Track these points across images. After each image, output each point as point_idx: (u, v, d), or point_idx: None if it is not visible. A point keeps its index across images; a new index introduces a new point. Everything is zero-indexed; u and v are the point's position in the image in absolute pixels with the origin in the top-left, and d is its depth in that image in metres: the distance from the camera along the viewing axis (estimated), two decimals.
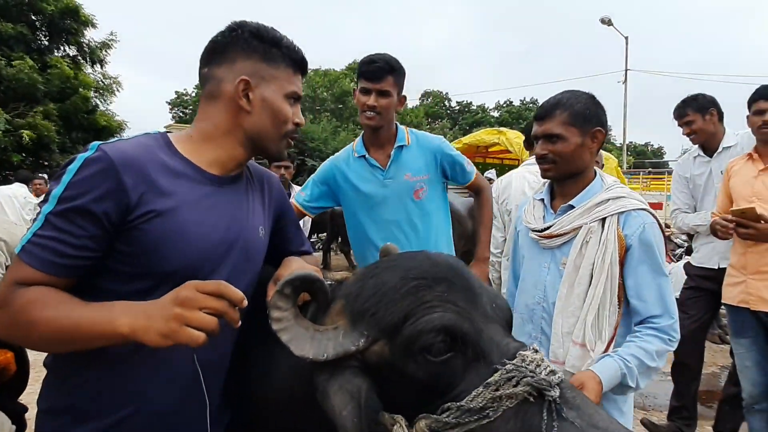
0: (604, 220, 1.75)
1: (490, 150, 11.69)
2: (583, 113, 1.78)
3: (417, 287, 1.03)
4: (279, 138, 1.32)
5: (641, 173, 21.56)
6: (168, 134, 1.27)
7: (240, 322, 1.03)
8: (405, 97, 2.47)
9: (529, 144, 3.54)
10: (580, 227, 1.77)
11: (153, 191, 1.12)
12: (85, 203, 1.05)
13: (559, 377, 0.96)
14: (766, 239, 2.66)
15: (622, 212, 1.75)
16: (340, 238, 10.67)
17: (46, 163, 14.06)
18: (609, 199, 1.77)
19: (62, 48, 15.74)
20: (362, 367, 1.03)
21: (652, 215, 1.79)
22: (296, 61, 1.33)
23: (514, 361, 0.97)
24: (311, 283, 1.11)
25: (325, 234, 11.01)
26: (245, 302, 1.01)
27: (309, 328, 1.05)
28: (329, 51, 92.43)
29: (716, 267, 3.34)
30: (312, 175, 2.66)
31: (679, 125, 3.61)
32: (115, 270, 1.12)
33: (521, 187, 3.32)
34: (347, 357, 1.02)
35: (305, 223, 5.36)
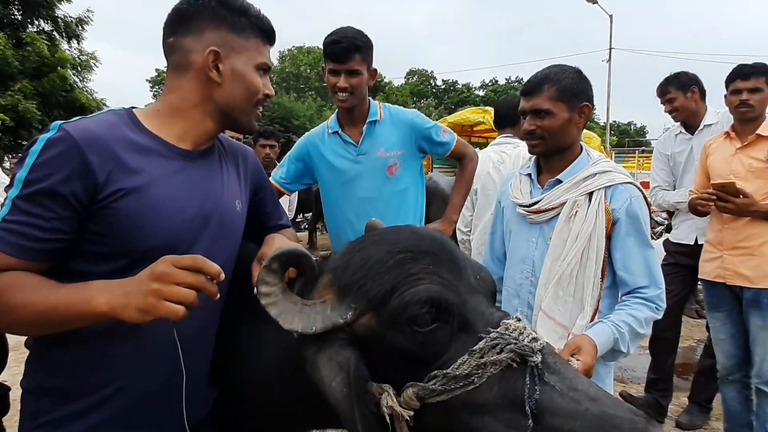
0: (591, 194, 1.76)
1: (475, 129, 11.65)
2: (570, 88, 1.78)
3: (403, 260, 1.05)
4: (250, 110, 1.31)
5: (636, 152, 21.70)
6: (134, 109, 1.25)
7: (219, 296, 1.03)
8: (375, 70, 2.42)
9: (498, 124, 3.54)
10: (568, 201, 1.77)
11: (121, 169, 1.10)
12: (51, 185, 1.03)
13: (540, 344, 1.00)
14: (743, 214, 2.72)
15: (609, 186, 1.76)
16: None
17: (26, 141, 13.75)
18: (596, 173, 1.78)
19: (37, 23, 15.23)
20: (350, 340, 1.05)
21: (638, 188, 1.80)
22: (265, 31, 1.31)
23: (498, 330, 1.00)
24: (298, 258, 1.12)
25: (310, 213, 10.98)
26: (222, 275, 1.01)
27: (297, 303, 1.07)
28: (313, 28, 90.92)
29: (693, 243, 3.43)
30: (288, 153, 2.64)
31: (661, 102, 3.66)
32: (89, 251, 1.11)
33: (485, 167, 3.29)
34: (335, 330, 1.04)
35: (291, 202, 5.35)
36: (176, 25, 1.25)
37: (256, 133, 5.06)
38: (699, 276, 3.11)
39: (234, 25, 1.25)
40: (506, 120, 3.48)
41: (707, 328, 3.24)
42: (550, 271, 1.77)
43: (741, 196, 2.67)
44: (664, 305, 1.74)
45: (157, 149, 1.19)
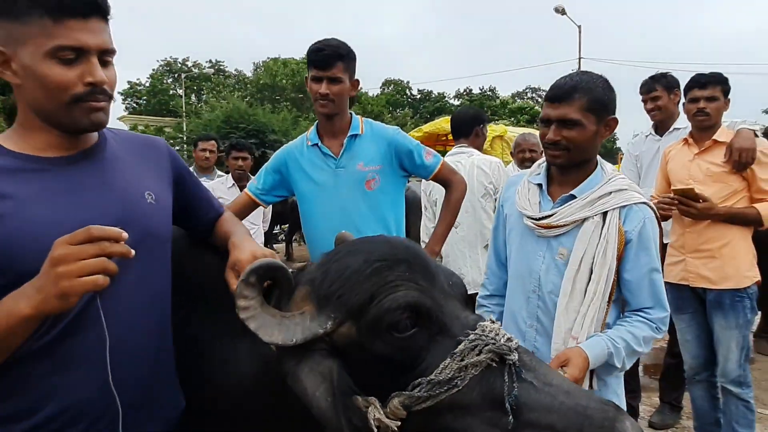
0: (605, 213, 1.69)
1: (450, 138, 11.77)
2: (602, 99, 1.69)
3: (380, 268, 1.08)
4: (63, 108, 1.11)
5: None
6: None
7: (133, 253, 0.99)
8: (358, 81, 2.44)
9: (454, 134, 3.72)
10: (581, 219, 1.70)
11: None
12: None
13: (515, 343, 1.05)
14: (704, 217, 2.81)
15: (624, 206, 1.70)
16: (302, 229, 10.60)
17: None
18: (611, 192, 1.71)
19: None
20: (330, 350, 1.07)
21: (651, 208, 1.75)
22: (54, 4, 1.05)
23: (475, 332, 1.04)
24: (275, 271, 1.14)
25: (287, 225, 10.92)
26: (124, 234, 0.97)
27: (276, 315, 1.09)
28: (288, 40, 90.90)
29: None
30: (265, 164, 2.62)
31: (643, 99, 3.77)
32: None
33: None
34: (315, 341, 1.06)
35: (266, 214, 5.32)
36: None
37: (229, 145, 5.05)
38: (663, 279, 3.19)
39: (10, 11, 1.06)
40: (461, 131, 3.69)
41: (670, 329, 3.33)
42: (571, 294, 1.70)
43: (701, 201, 2.76)
44: (665, 328, 1.72)
45: (21, 166, 1.11)
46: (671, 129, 3.66)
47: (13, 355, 1.04)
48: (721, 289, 2.83)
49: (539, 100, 49.99)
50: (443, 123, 10.70)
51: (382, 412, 1.02)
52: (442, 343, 1.05)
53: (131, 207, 1.21)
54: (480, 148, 3.74)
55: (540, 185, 1.86)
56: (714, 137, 2.92)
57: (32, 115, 1.15)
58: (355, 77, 2.42)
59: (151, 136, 1.45)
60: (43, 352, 1.08)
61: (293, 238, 10.93)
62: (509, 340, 1.04)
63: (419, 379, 1.02)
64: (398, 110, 45.94)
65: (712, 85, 2.95)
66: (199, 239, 1.54)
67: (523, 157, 4.22)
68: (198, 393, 1.36)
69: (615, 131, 1.85)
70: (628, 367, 1.68)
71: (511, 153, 3.88)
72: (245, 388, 1.28)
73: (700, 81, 2.98)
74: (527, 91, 53.10)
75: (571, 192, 1.76)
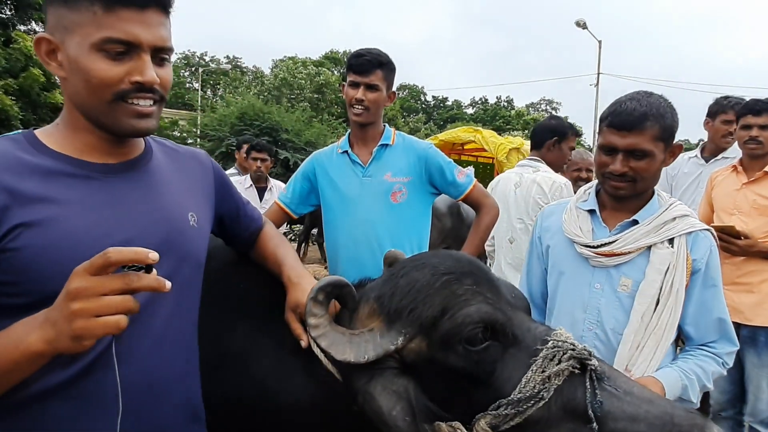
0: (671, 240, 1.57)
1: (465, 147, 11.74)
2: (671, 127, 1.56)
3: (448, 281, 1.07)
4: (105, 107, 1.00)
5: None
6: (34, 131, 1.06)
7: (169, 286, 0.84)
8: (395, 93, 2.43)
9: (531, 144, 3.42)
10: (646, 246, 1.58)
11: (17, 201, 0.93)
12: None
13: (590, 350, 1.02)
14: (745, 254, 2.71)
15: (690, 232, 1.58)
16: (316, 230, 10.59)
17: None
18: (675, 218, 1.59)
19: (29, 23, 15.01)
20: (401, 368, 1.06)
21: (713, 235, 1.65)
22: None
23: (550, 342, 1.02)
24: (341, 288, 1.14)
25: (299, 226, 10.89)
26: (154, 255, 0.81)
27: (345, 333, 1.08)
28: (307, 39, 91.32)
29: None
30: (294, 173, 2.59)
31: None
32: (2, 306, 0.94)
33: (504, 187, 3.24)
34: (386, 358, 1.04)
35: None
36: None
37: (249, 146, 4.96)
38: None
39: None
40: (533, 141, 3.40)
41: None
42: (639, 329, 1.56)
43: (743, 237, 2.66)
44: (731, 363, 1.59)
45: (65, 169, 1.00)
46: (719, 157, 3.52)
47: (30, 391, 0.94)
48: (756, 326, 2.73)
49: (553, 112, 49.89)
50: (460, 132, 10.67)
51: None
52: (515, 355, 1.04)
53: (175, 229, 1.11)
54: (555, 164, 3.38)
55: (591, 211, 1.72)
56: (766, 168, 2.81)
57: (76, 113, 1.04)
58: (393, 89, 2.40)
59: (194, 149, 1.34)
60: (61, 389, 0.97)
61: (307, 237, 10.91)
62: (584, 347, 1.02)
63: (504, 400, 0.99)
64: (412, 115, 45.93)
65: (767, 113, 2.83)
66: (238, 252, 1.49)
67: (578, 176, 3.97)
68: (231, 414, 1.30)
69: None
70: (697, 404, 1.54)
71: (563, 168, 3.58)
72: (294, 407, 1.24)
73: (755, 108, 2.85)
74: (542, 102, 52.95)
75: (633, 217, 1.63)
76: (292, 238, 11.45)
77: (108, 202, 1.02)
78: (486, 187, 3.04)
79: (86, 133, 1.05)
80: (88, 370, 0.98)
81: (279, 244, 1.44)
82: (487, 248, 3.38)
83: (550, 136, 3.33)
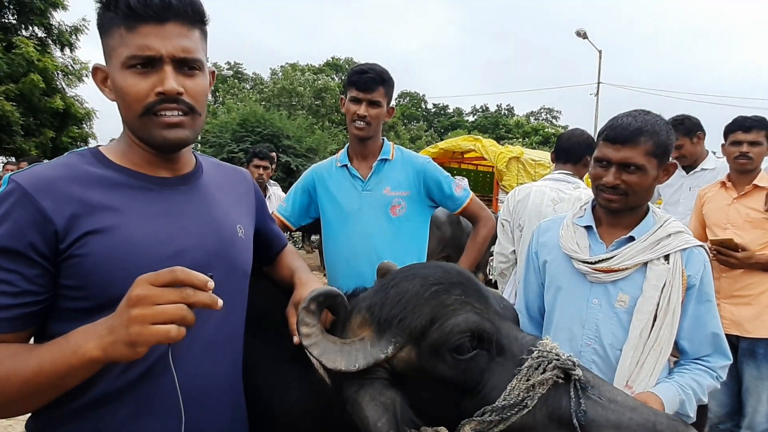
0: (667, 256, 1.60)
1: (465, 156, 11.78)
2: (665, 144, 1.58)
3: (437, 292, 1.09)
4: (137, 121, 1.05)
5: None
6: (100, 147, 1.14)
7: (221, 304, 0.90)
8: (393, 108, 2.46)
9: (559, 157, 3.12)
10: (643, 263, 1.60)
11: (85, 209, 0.99)
12: (5, 242, 0.93)
13: (575, 360, 1.04)
14: (744, 267, 2.74)
15: (685, 249, 1.61)
16: (313, 237, 10.61)
17: (7, 146, 13.47)
18: (670, 234, 1.62)
19: (30, 29, 15.05)
20: (390, 379, 1.07)
21: (707, 251, 1.68)
22: (129, 9, 0.99)
23: (535, 352, 1.04)
24: (333, 298, 1.16)
25: (298, 233, 10.92)
26: (211, 283, 0.88)
27: (336, 342, 1.10)
28: (310, 46, 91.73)
29: None
30: (293, 185, 2.61)
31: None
32: (66, 309, 1.00)
33: (539, 202, 2.97)
34: (376, 367, 1.06)
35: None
36: None
37: (251, 153, 5.00)
38: None
39: (101, 26, 1.05)
40: (569, 155, 3.06)
41: None
42: (637, 345, 1.57)
43: (740, 250, 2.69)
44: (725, 377, 1.62)
45: (126, 181, 1.07)
46: (698, 168, 3.54)
47: (90, 396, 0.99)
48: (755, 338, 2.74)
49: (553, 121, 49.97)
50: (460, 141, 10.72)
51: None
52: (502, 364, 1.06)
53: (225, 239, 1.18)
54: (582, 178, 3.15)
55: (588, 227, 1.74)
56: (755, 182, 2.85)
57: (128, 130, 1.12)
58: (391, 104, 2.43)
59: (237, 167, 1.42)
60: (122, 394, 1.02)
61: (305, 244, 10.93)
62: (569, 356, 1.04)
63: (489, 406, 1.01)
64: (412, 123, 46.06)
65: (757, 130, 2.88)
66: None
67: None
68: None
69: None
70: (694, 418, 1.57)
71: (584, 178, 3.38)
72: (292, 415, 1.27)
73: (744, 124, 2.91)
74: (542, 111, 53.10)
75: (630, 234, 1.65)
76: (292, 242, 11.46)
77: (165, 213, 1.09)
78: (487, 196, 2.96)
79: (138, 148, 1.12)
80: (147, 376, 1.03)
81: (295, 257, 1.53)
82: (501, 266, 3.20)
83: (589, 152, 3.04)
